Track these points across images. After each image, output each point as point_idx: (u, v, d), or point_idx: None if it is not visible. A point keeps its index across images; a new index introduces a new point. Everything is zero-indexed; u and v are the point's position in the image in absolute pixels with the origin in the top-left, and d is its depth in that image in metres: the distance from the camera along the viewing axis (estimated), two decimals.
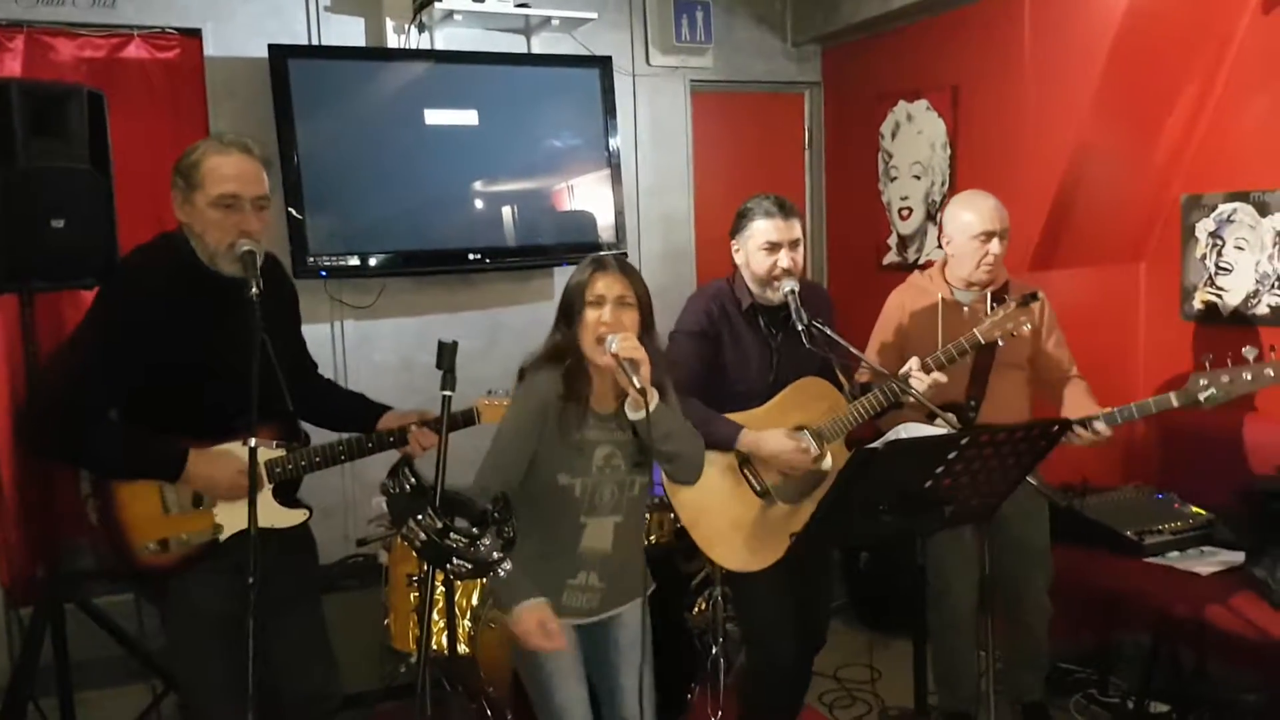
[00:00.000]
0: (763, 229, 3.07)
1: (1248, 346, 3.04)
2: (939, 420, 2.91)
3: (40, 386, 2.83)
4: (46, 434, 2.58)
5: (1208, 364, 3.04)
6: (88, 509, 2.66)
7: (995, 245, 3.38)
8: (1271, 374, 3.00)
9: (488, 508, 2.15)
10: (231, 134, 2.63)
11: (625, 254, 4.90)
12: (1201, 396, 3.04)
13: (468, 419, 2.93)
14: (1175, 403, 3.08)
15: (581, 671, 2.59)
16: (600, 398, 2.58)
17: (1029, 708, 3.73)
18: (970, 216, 3.40)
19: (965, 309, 3.41)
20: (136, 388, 2.53)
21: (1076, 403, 3.39)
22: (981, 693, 3.41)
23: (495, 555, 2.10)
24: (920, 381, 2.99)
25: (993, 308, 3.13)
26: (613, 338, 2.43)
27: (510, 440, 2.53)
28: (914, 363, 3.04)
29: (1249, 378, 3.01)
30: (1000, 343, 3.13)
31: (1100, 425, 3.16)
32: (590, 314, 2.49)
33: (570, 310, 2.53)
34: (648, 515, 3.93)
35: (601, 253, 2.67)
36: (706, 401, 3.05)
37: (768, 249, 3.05)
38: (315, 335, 4.40)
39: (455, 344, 2.28)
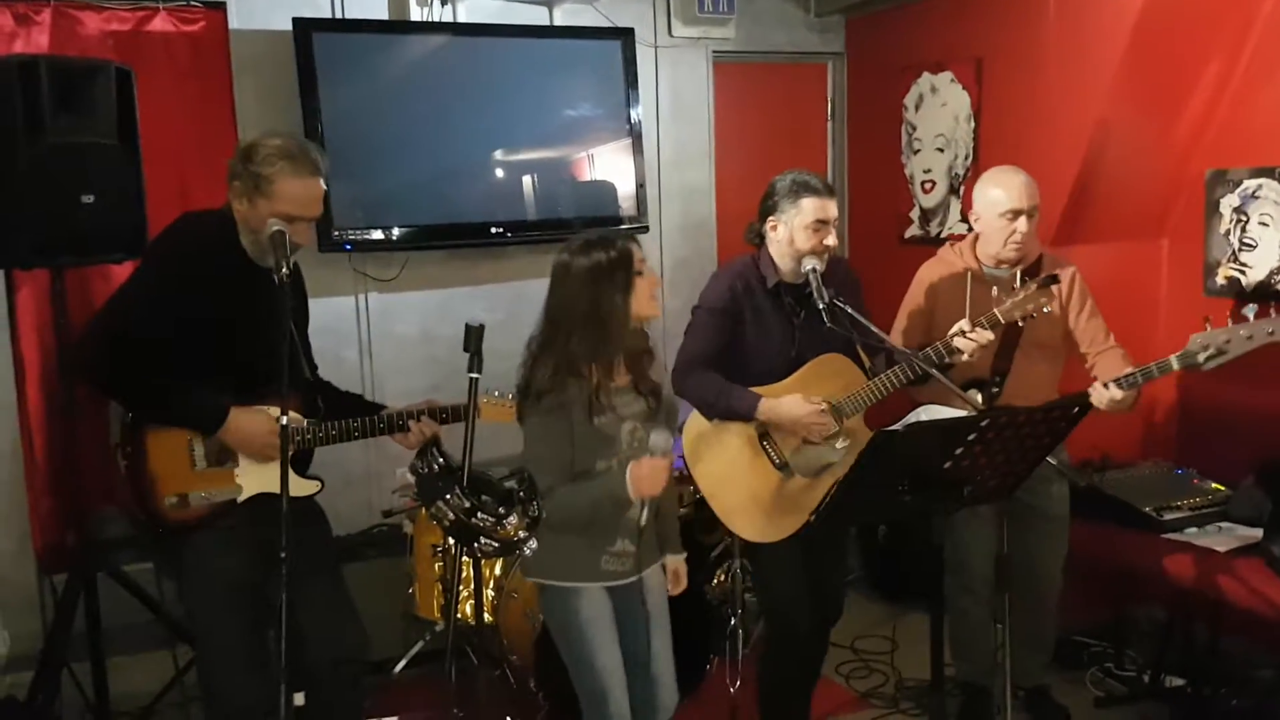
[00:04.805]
0: (813, 206, 3.06)
1: (1250, 305, 2.98)
2: (957, 400, 2.92)
3: (93, 319, 2.93)
4: (96, 354, 2.67)
5: (1208, 324, 3.01)
6: (117, 458, 2.75)
7: (1023, 224, 3.33)
8: (1271, 331, 2.93)
9: (513, 486, 2.19)
10: (295, 142, 2.69)
11: (646, 227, 4.91)
12: (1201, 357, 3.00)
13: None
14: (1175, 365, 3.05)
15: (616, 634, 2.69)
16: (620, 372, 2.73)
17: (1033, 693, 3.71)
18: (999, 193, 3.35)
19: (994, 286, 3.41)
20: (168, 340, 2.60)
21: (1104, 370, 3.37)
22: (997, 665, 3.44)
23: (521, 534, 2.14)
24: (967, 341, 2.99)
25: (1023, 281, 3.11)
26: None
27: (554, 456, 2.58)
28: (963, 324, 3.04)
29: (1247, 335, 2.96)
30: (1020, 323, 3.11)
31: (1112, 389, 3.13)
32: (641, 281, 2.65)
33: (626, 285, 2.62)
34: None
35: (591, 235, 2.70)
36: (729, 378, 3.09)
37: (816, 227, 3.06)
38: (339, 308, 4.49)
39: (482, 327, 2.31)
